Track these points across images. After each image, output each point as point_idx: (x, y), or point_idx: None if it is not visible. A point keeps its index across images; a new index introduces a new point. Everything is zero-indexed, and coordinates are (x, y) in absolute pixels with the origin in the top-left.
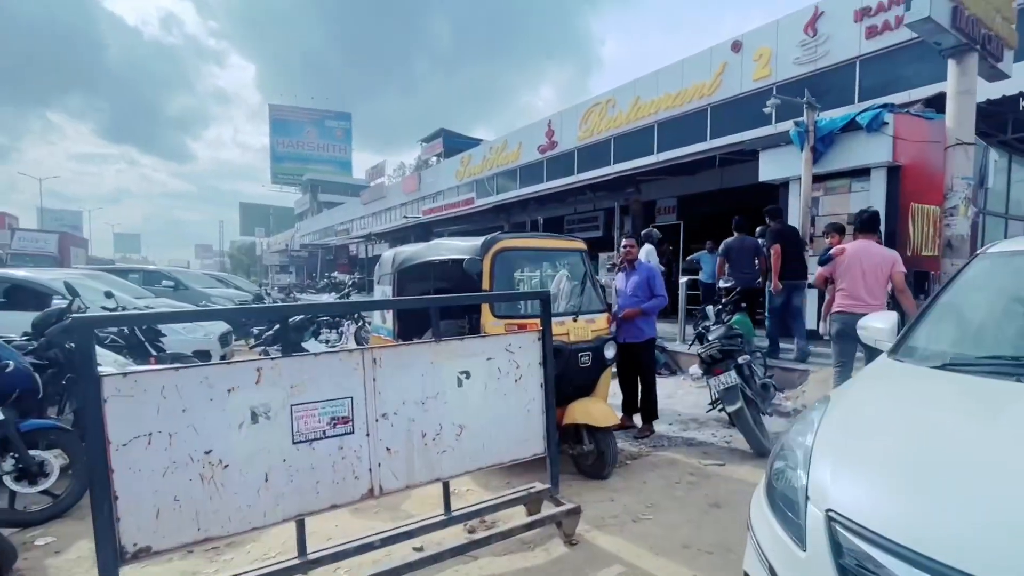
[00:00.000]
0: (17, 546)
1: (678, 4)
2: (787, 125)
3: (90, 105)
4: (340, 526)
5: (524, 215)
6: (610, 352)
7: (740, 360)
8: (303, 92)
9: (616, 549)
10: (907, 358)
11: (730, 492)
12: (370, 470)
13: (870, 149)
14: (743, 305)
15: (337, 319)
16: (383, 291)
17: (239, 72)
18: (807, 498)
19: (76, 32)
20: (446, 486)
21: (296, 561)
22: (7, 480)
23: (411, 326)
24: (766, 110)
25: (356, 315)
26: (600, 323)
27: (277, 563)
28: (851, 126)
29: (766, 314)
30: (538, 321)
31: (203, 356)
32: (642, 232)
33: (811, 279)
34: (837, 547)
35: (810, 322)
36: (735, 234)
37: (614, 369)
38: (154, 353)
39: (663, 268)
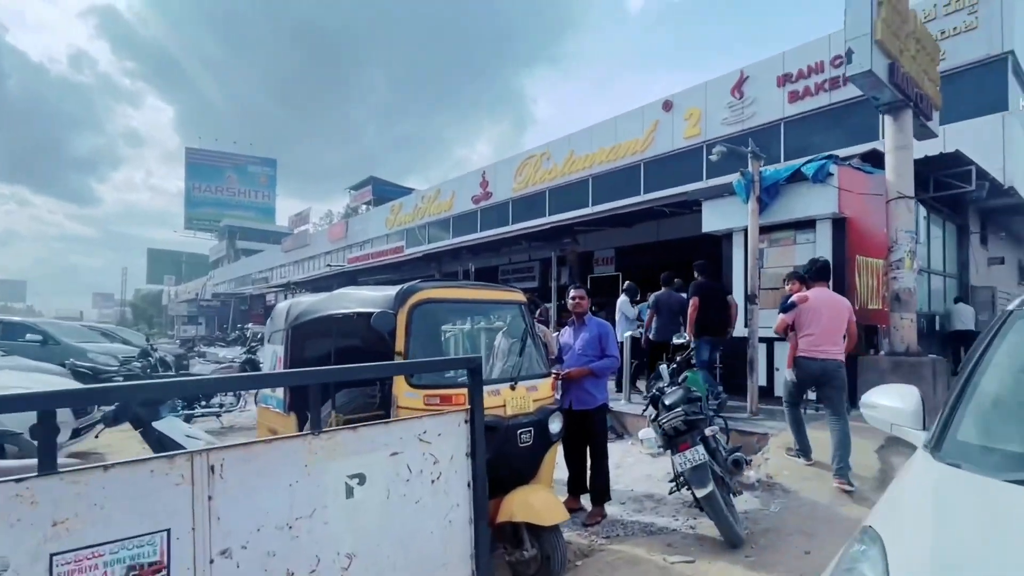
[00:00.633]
0: None
1: (608, 68)
2: (724, 179)
3: None
4: None
5: (456, 264)
6: (556, 426)
7: (707, 431)
8: (226, 136)
9: None
10: (963, 461)
11: None
12: None
13: (815, 200)
14: (693, 363)
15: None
16: (274, 351)
17: (155, 114)
18: None
19: None
20: None
21: None
22: None
23: (308, 395)
24: (712, 158)
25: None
26: (543, 390)
27: None
28: (796, 176)
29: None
30: (466, 392)
31: None
32: (625, 284)
33: (773, 328)
34: None
35: (761, 377)
36: (663, 288)
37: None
38: None
39: (639, 324)
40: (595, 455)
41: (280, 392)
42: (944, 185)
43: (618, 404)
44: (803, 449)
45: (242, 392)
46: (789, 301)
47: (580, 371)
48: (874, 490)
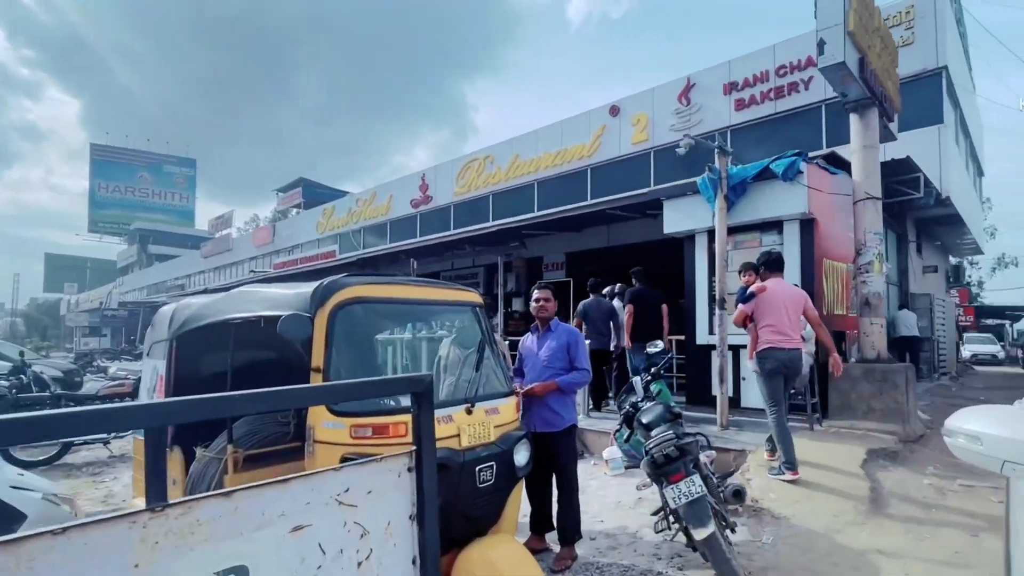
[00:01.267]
0: None
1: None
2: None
3: None
4: None
5: (395, 270)
6: (523, 456)
7: (703, 457)
8: (139, 134)
9: None
10: None
11: None
12: None
13: (784, 200)
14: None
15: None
16: (154, 367)
17: (58, 107)
18: None
19: None
20: None
21: None
22: None
23: (196, 424)
24: (679, 151)
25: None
26: (507, 413)
27: None
28: (765, 174)
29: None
30: (409, 420)
31: None
32: (616, 287)
33: (731, 317)
34: None
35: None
36: (591, 296)
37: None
38: None
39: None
40: (563, 486)
41: None
42: (892, 192)
43: (578, 419)
44: (789, 461)
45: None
46: (748, 291)
47: (545, 386)
48: (868, 514)
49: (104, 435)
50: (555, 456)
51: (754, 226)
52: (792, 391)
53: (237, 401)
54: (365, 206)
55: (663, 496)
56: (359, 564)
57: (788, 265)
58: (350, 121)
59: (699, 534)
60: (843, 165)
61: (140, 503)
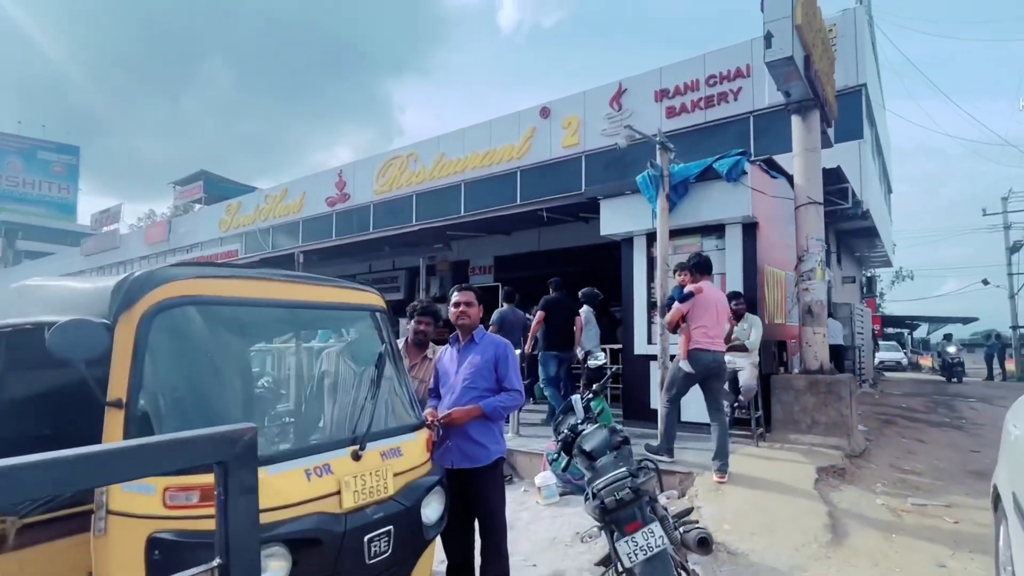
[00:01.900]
0: None
1: (480, 84)
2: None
3: None
4: None
5: (304, 271)
6: (434, 511)
7: (663, 499)
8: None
9: None
10: None
11: None
12: None
13: (727, 202)
14: (605, 388)
15: None
16: None
17: None
18: None
19: None
20: None
21: None
22: None
23: None
24: (620, 143)
25: None
26: (412, 454)
27: None
28: (707, 174)
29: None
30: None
31: None
32: (580, 292)
33: (666, 317)
34: None
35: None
36: (505, 305)
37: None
38: None
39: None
40: (489, 533)
41: None
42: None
43: (506, 438)
44: (669, 448)
45: None
46: (685, 291)
47: (465, 412)
48: (831, 546)
49: None
50: (479, 497)
51: (695, 229)
52: (736, 405)
53: None
54: (275, 203)
55: (615, 550)
56: None
57: (730, 272)
58: (264, 115)
59: None
60: (778, 172)
61: None
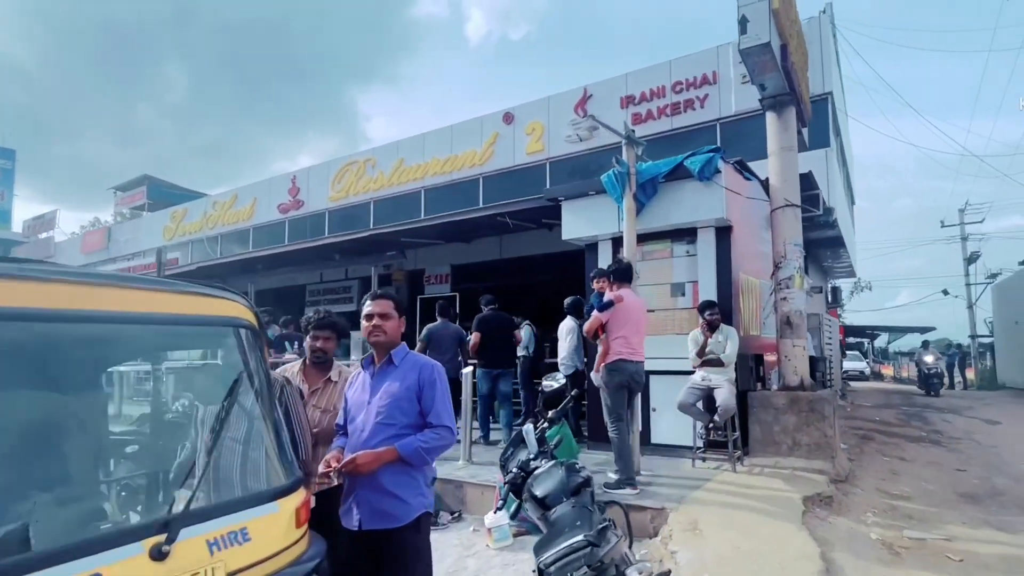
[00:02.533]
0: None
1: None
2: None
3: None
4: None
5: (245, 281)
6: None
7: (632, 573)
8: None
9: None
10: None
11: None
12: None
13: (700, 203)
14: (566, 414)
15: None
16: None
17: None
18: None
19: None
20: None
21: None
22: None
23: None
24: (579, 134)
25: None
26: (269, 537)
27: None
28: (678, 172)
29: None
30: None
31: None
32: (565, 301)
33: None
34: None
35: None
36: (439, 319)
37: None
38: None
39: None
40: None
41: None
42: None
43: (453, 466)
44: (629, 479)
45: None
46: (605, 299)
47: (375, 456)
48: None
49: None
50: (396, 566)
51: (665, 233)
52: (712, 425)
53: None
54: (224, 210)
55: None
56: None
57: (703, 279)
58: (223, 122)
59: None
60: (751, 175)
61: None
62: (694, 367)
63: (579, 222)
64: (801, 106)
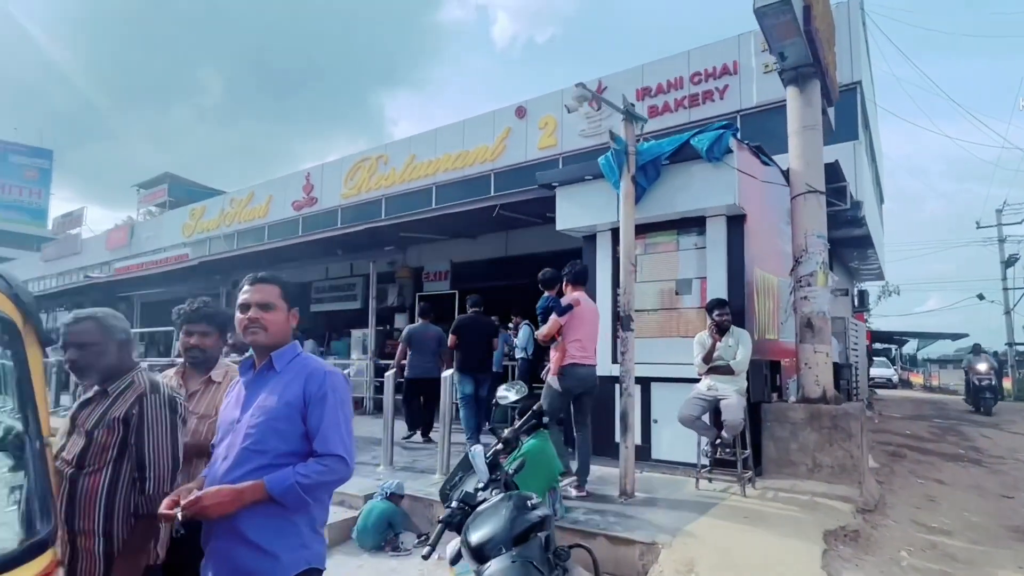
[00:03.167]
0: None
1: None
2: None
3: None
4: None
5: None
6: None
7: None
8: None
9: None
10: None
11: None
12: None
13: (709, 188)
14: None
15: None
16: None
17: None
18: None
19: None
20: None
21: None
22: None
23: None
24: (571, 104)
25: None
26: None
27: None
28: (684, 153)
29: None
30: None
31: None
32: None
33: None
34: None
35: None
36: (420, 320)
37: None
38: None
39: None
40: None
41: None
42: None
43: (426, 484)
44: (582, 476)
45: None
46: (564, 304)
47: (232, 495)
48: None
49: None
50: None
51: (670, 223)
52: (718, 442)
53: None
54: (240, 207)
55: None
56: None
57: (712, 275)
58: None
59: None
60: (769, 160)
61: None
62: (700, 374)
63: (575, 210)
64: (827, 80)
